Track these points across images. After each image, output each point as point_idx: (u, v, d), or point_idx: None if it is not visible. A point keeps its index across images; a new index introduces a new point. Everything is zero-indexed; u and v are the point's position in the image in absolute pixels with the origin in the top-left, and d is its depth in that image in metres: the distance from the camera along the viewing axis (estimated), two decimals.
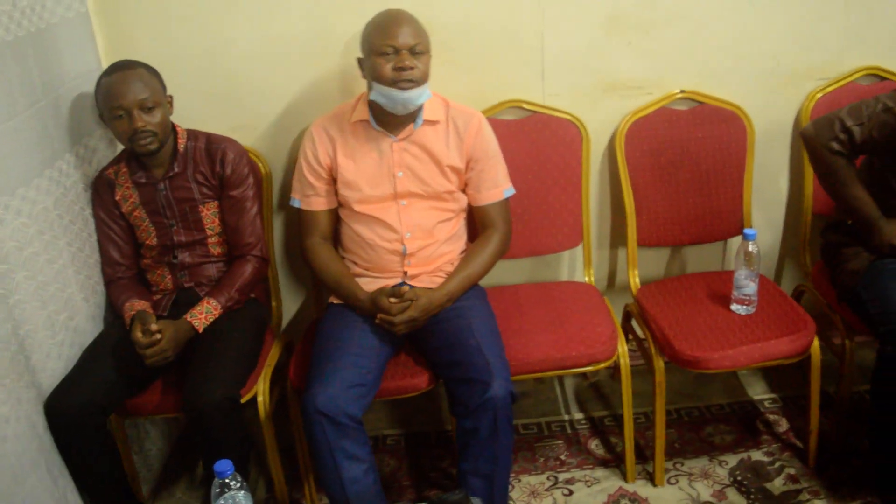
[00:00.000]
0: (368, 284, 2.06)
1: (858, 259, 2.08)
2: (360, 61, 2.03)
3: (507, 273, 2.49)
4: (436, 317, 2.01)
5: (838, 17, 2.34)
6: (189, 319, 1.98)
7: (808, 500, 2.13)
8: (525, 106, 2.33)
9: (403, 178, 2.06)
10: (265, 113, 2.31)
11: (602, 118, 2.37)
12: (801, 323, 2.09)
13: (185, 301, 2.08)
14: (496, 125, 2.21)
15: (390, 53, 1.92)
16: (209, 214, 2.11)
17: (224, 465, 1.48)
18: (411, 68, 1.92)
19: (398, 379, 2.00)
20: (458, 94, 2.16)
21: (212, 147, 2.10)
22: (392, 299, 1.96)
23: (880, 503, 2.09)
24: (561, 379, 2.69)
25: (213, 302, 2.03)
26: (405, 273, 2.09)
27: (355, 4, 2.10)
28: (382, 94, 1.95)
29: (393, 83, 1.92)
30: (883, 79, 2.38)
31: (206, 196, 2.10)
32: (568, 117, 2.33)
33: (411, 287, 2.01)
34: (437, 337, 1.99)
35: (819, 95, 2.37)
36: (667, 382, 2.12)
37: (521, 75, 2.31)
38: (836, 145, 2.00)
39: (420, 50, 1.94)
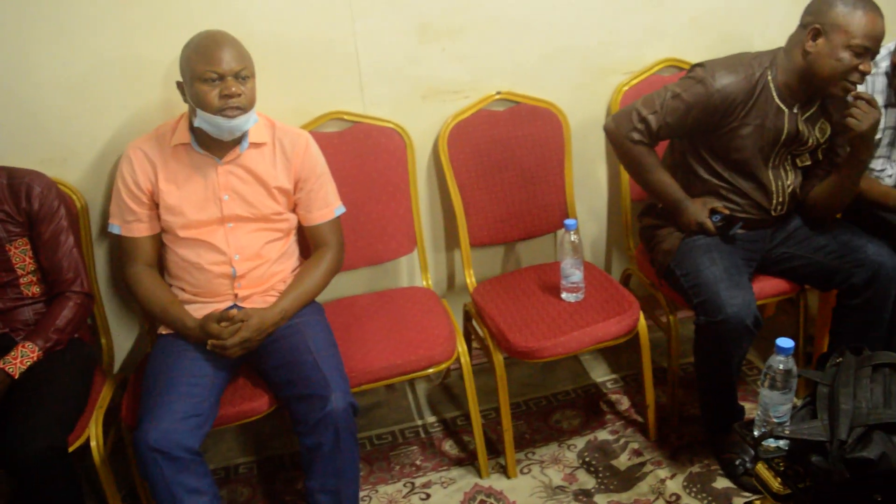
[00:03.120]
0: (198, 310, 1.99)
1: (671, 239, 2.22)
2: (179, 85, 1.94)
3: (346, 285, 2.48)
4: (271, 336, 1.97)
5: (638, 13, 2.48)
6: (2, 365, 1.86)
7: (651, 471, 2.25)
8: (346, 117, 2.33)
9: (230, 201, 2.01)
10: (76, 144, 2.17)
11: (424, 124, 2.40)
12: (626, 304, 2.20)
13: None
14: (319, 138, 2.19)
15: (215, 80, 1.84)
16: (18, 253, 1.99)
17: None
18: (238, 95, 1.85)
19: (237, 404, 1.95)
20: (278, 109, 2.13)
21: (14, 182, 1.97)
22: (223, 323, 1.90)
23: (716, 463, 2.23)
24: (412, 385, 2.70)
25: (29, 345, 1.91)
26: (236, 295, 2.04)
27: (169, 30, 2.03)
28: (208, 122, 1.88)
29: (219, 111, 1.85)
30: (680, 69, 2.54)
31: (13, 234, 1.97)
32: (390, 125, 2.34)
33: (241, 309, 1.97)
34: (274, 356, 1.95)
35: (625, 88, 2.50)
36: (514, 375, 2.18)
37: (339, 87, 2.31)
38: (636, 135, 2.12)
39: (246, 75, 1.88)
